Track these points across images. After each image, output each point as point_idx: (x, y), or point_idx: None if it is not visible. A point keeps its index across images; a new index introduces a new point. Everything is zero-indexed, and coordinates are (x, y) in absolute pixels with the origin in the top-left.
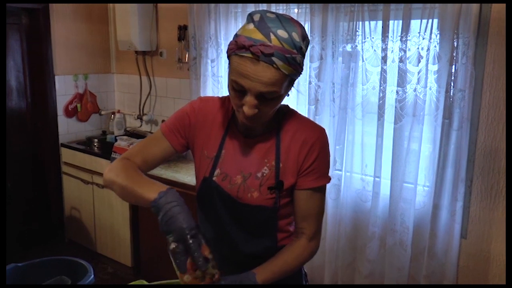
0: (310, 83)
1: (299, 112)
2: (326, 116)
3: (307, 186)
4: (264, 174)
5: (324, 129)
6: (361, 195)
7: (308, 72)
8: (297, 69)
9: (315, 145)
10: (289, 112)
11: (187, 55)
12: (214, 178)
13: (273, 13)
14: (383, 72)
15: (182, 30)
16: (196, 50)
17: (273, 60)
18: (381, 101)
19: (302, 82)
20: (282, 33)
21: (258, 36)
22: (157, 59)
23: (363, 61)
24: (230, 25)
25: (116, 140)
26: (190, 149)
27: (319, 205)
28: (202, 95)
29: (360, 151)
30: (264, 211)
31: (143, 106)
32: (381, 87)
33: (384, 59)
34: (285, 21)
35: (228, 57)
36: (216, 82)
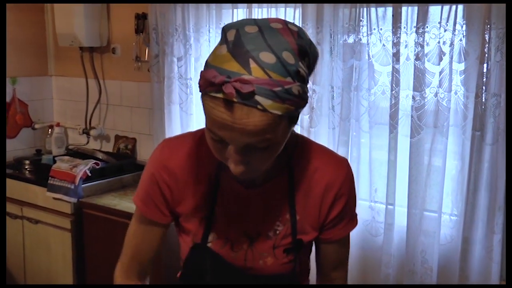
0: None
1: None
2: (323, 128)
3: (336, 237)
4: (278, 232)
5: (347, 161)
6: (370, 228)
7: None
8: (297, 103)
9: (343, 189)
10: (303, 143)
11: (147, 52)
12: (209, 245)
13: (254, 24)
14: (395, 73)
15: (141, 20)
16: (159, 46)
17: (257, 100)
18: (393, 109)
19: None
20: (266, 56)
21: (233, 66)
22: (109, 57)
23: (369, 58)
24: (201, 13)
25: (54, 162)
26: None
27: (348, 249)
28: (166, 101)
29: (368, 171)
30: (282, 280)
31: (91, 118)
32: (393, 92)
33: (396, 56)
34: (272, 35)
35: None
36: (183, 86)
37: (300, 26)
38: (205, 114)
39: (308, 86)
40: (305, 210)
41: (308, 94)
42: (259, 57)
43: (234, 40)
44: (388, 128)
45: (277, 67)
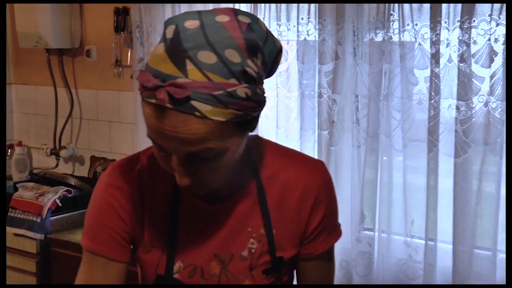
0: (320, 96)
1: (277, 142)
2: (346, 146)
3: (318, 251)
4: (253, 251)
5: (323, 163)
6: (406, 269)
7: (317, 80)
8: (246, 107)
9: (321, 195)
10: (270, 148)
11: (129, 55)
12: (176, 276)
13: (197, 18)
14: (434, 78)
15: (121, 16)
16: (144, 47)
17: (194, 106)
18: (432, 122)
19: (307, 93)
20: (206, 56)
21: (168, 67)
22: (83, 62)
23: (402, 60)
24: (196, 7)
25: (16, 190)
26: None
27: (333, 264)
28: None
29: (402, 200)
30: None
31: (61, 135)
32: (432, 101)
33: (435, 57)
34: (214, 30)
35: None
36: None
37: (316, 22)
38: (145, 121)
39: (326, 95)
40: (281, 222)
41: (326, 105)
42: (196, 57)
43: (172, 37)
44: (426, 146)
45: (218, 68)
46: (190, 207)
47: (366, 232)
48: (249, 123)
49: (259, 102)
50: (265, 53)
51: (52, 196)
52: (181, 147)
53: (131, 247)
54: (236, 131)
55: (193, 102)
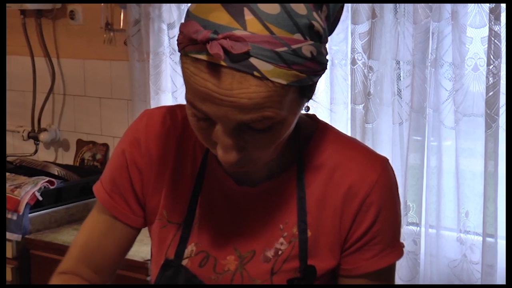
0: (353, 63)
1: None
2: (385, 123)
3: (364, 270)
4: (280, 252)
5: (387, 161)
6: (461, 271)
7: (350, 43)
8: (310, 69)
9: (373, 196)
10: (323, 131)
11: (122, 17)
12: (184, 262)
13: None
14: (494, 38)
15: None
16: (140, 7)
17: (253, 64)
18: (491, 93)
19: (338, 60)
20: (268, 5)
21: (222, 17)
22: (66, 25)
23: (453, 18)
24: None
25: None
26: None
27: None
28: (153, 89)
29: (454, 188)
30: None
31: (40, 115)
32: (491, 67)
33: (494, 12)
34: None
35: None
36: (178, 66)
37: None
38: (185, 82)
39: (361, 61)
40: (320, 224)
41: (361, 73)
42: (257, 5)
43: None
44: (483, 122)
45: (282, 20)
46: (216, 183)
47: (411, 227)
48: (308, 89)
49: (323, 64)
50: (330, 5)
51: (30, 189)
52: (233, 114)
53: (143, 212)
54: (295, 97)
55: (252, 60)
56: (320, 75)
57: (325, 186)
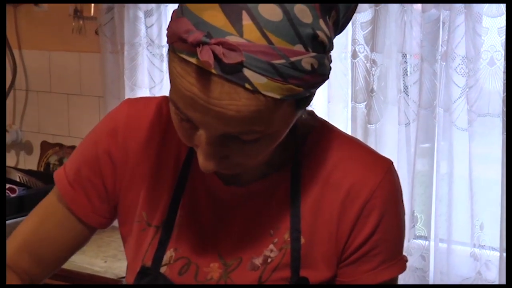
0: (355, 55)
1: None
2: (390, 123)
3: (359, 282)
4: (269, 260)
5: (391, 163)
6: None
7: (351, 34)
8: (308, 83)
9: (375, 201)
10: (319, 129)
11: (92, 3)
12: (162, 270)
13: None
14: None
15: None
16: None
17: (245, 76)
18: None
19: (337, 53)
20: (269, 10)
21: (217, 18)
22: (29, 12)
23: (466, 6)
24: None
25: None
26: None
27: None
28: (128, 84)
29: (467, 196)
30: None
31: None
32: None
33: None
34: None
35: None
36: (156, 59)
37: None
38: (170, 80)
39: (363, 54)
40: (315, 230)
41: (363, 67)
42: (257, 9)
43: None
44: (500, 122)
45: (283, 28)
46: (199, 180)
47: (419, 241)
48: (304, 101)
49: (324, 75)
50: (341, 9)
51: None
52: (218, 125)
53: (108, 213)
54: (289, 110)
55: (245, 71)
56: (320, 85)
57: (321, 188)
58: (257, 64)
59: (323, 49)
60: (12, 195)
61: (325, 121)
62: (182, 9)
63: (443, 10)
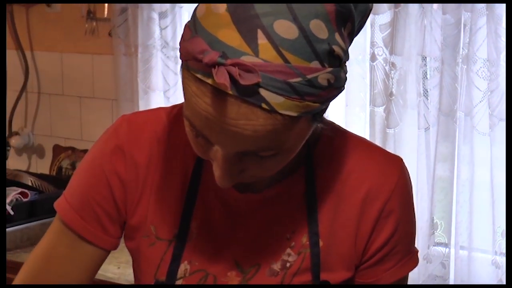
0: (373, 58)
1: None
2: (409, 128)
3: (381, 282)
4: (288, 265)
5: (401, 160)
6: None
7: (369, 36)
8: (324, 98)
9: (393, 202)
10: (333, 132)
11: (106, 4)
12: (179, 282)
13: None
14: None
15: None
16: None
17: (262, 97)
18: None
19: (355, 56)
20: (284, 27)
21: (231, 37)
22: (41, 13)
23: (488, 7)
24: None
25: None
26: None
27: None
28: (142, 87)
29: (489, 202)
30: None
31: (11, 117)
32: None
33: None
34: None
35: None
36: (171, 61)
37: None
38: (184, 97)
39: (382, 57)
40: (333, 233)
41: (382, 71)
42: (272, 27)
43: None
44: None
45: (300, 46)
46: (212, 190)
47: (439, 248)
48: (321, 113)
49: (340, 88)
50: (356, 19)
51: None
52: (234, 144)
53: (120, 232)
54: (306, 125)
55: (262, 91)
56: (336, 97)
57: (339, 191)
58: (273, 83)
59: (339, 62)
60: (24, 200)
61: (333, 122)
62: (196, 26)
63: (464, 12)
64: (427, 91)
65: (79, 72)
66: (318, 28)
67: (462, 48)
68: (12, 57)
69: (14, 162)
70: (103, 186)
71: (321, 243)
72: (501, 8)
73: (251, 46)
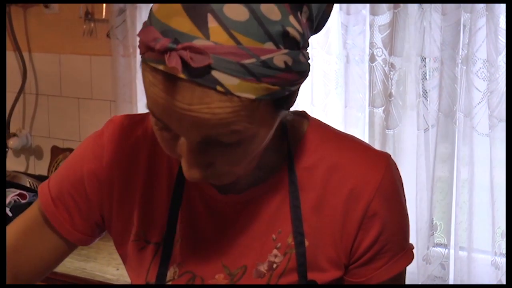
0: (372, 59)
1: (329, 123)
2: (409, 129)
3: (375, 280)
4: (275, 266)
5: (389, 157)
6: None
7: (368, 37)
8: (284, 80)
9: (377, 202)
10: (312, 129)
11: (104, 5)
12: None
13: None
14: None
15: None
16: None
17: (215, 79)
18: None
19: (354, 56)
20: (235, 10)
21: (183, 23)
22: (39, 14)
23: (488, 8)
24: None
25: None
26: (106, 230)
27: None
28: (140, 89)
29: (489, 203)
30: None
31: (9, 118)
32: None
33: None
34: None
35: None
36: None
37: None
38: (144, 89)
39: (381, 58)
40: (319, 232)
41: (381, 72)
42: (222, 11)
43: None
44: None
45: (251, 27)
46: (197, 194)
47: (438, 249)
48: (285, 100)
49: (302, 72)
50: (313, 4)
51: None
52: (195, 130)
53: (90, 230)
54: (268, 110)
55: (215, 73)
56: (301, 83)
57: (322, 189)
58: (226, 65)
59: (297, 45)
60: (23, 201)
61: (318, 120)
62: (150, 19)
63: (464, 13)
64: (427, 92)
65: (77, 73)
66: (270, 10)
67: (462, 49)
68: (10, 58)
69: (12, 164)
70: (78, 182)
71: (306, 243)
72: (502, 8)
73: (201, 30)
